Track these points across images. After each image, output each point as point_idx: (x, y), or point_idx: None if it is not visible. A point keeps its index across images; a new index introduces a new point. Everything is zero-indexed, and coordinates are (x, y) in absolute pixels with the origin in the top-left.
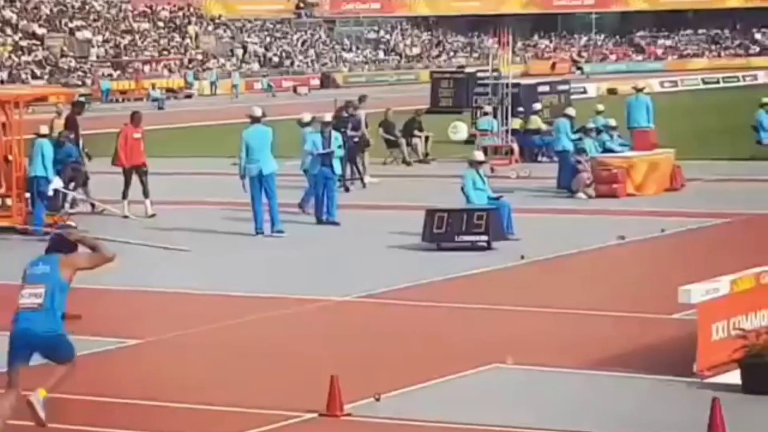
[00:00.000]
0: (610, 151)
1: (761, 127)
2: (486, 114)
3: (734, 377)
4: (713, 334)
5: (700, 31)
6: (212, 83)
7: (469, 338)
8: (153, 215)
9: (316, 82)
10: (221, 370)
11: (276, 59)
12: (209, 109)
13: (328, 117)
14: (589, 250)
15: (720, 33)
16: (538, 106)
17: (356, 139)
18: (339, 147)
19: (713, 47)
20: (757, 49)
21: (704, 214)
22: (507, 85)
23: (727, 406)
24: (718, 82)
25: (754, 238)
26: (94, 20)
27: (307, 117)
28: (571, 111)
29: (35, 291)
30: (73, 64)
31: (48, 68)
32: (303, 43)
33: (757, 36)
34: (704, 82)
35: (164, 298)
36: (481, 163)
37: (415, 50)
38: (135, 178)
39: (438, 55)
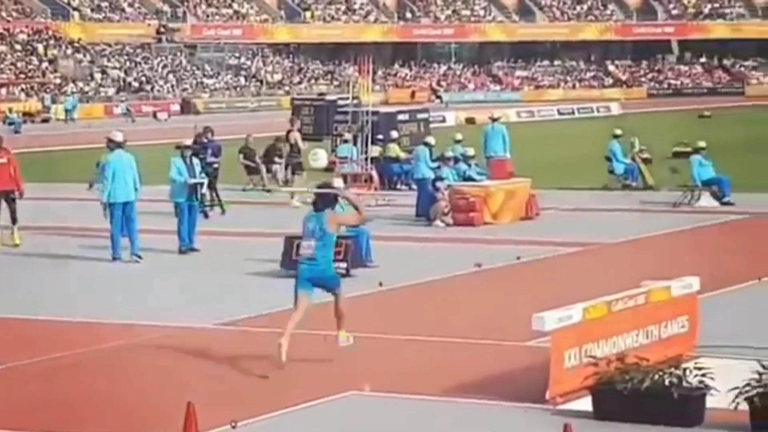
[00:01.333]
0: (468, 179)
1: (614, 157)
2: (346, 141)
3: (586, 404)
4: (566, 361)
5: (556, 62)
6: (67, 110)
7: (326, 365)
8: (17, 245)
9: (177, 107)
10: (74, 397)
11: (136, 84)
12: (66, 133)
13: (188, 142)
14: (446, 278)
15: (575, 65)
16: (396, 134)
17: (216, 165)
18: (200, 173)
19: (568, 78)
20: (611, 80)
21: (558, 242)
22: (367, 112)
23: None
24: (573, 113)
25: (606, 266)
26: None
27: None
28: (430, 139)
29: (309, 243)
30: None
31: None
32: (163, 68)
33: (611, 68)
34: (559, 113)
35: (15, 324)
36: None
37: (277, 77)
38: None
39: (299, 82)
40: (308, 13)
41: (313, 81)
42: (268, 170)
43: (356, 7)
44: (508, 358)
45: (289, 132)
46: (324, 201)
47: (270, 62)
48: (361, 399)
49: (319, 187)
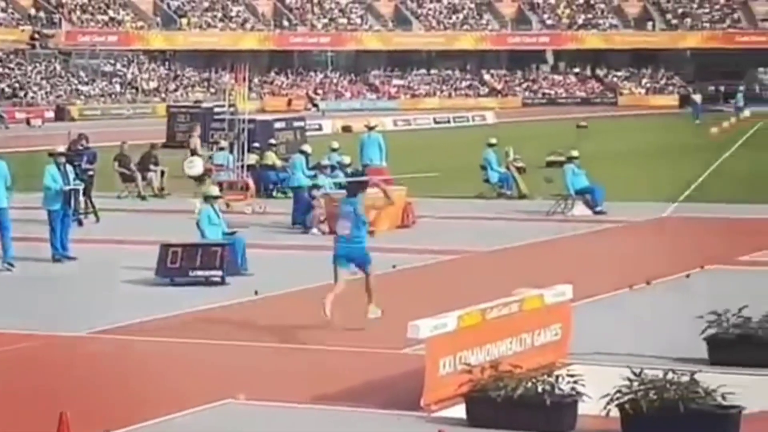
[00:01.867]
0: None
1: (489, 166)
2: (222, 149)
3: (460, 411)
4: (440, 368)
5: (432, 71)
6: None
7: (202, 374)
8: None
9: (51, 114)
10: None
11: (9, 90)
12: None
13: (61, 149)
14: (322, 286)
15: (451, 74)
16: (272, 141)
17: (91, 173)
18: (74, 180)
19: (444, 87)
20: (486, 90)
21: (434, 250)
22: (243, 120)
23: None
24: (449, 122)
25: (480, 274)
26: None
27: None
28: (306, 147)
29: (345, 224)
30: None
31: None
32: (37, 75)
33: (486, 77)
34: (435, 122)
35: None
36: (216, 198)
37: (152, 84)
38: None
39: (175, 90)
40: (184, 20)
41: (189, 88)
42: (144, 178)
43: (233, 14)
44: (383, 365)
45: (189, 137)
46: (357, 188)
47: (145, 69)
48: (237, 407)
49: (352, 175)
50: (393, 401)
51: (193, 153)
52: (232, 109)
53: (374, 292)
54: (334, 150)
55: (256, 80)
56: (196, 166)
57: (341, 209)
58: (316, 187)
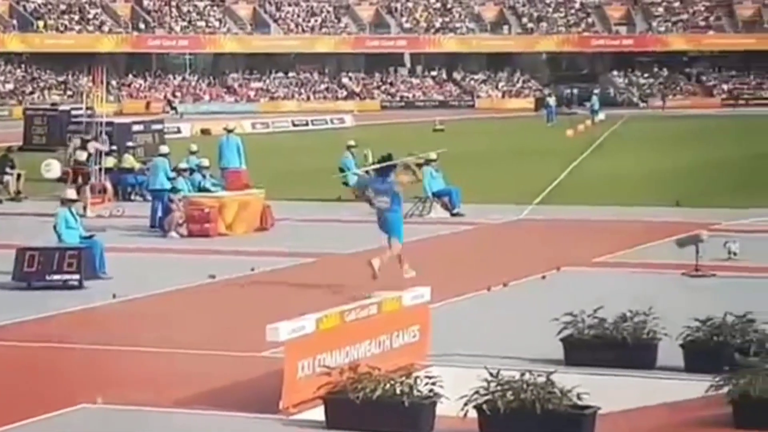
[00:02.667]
0: (203, 190)
1: (347, 168)
2: (84, 149)
3: (319, 414)
4: (299, 371)
5: (291, 74)
6: None
7: (58, 378)
8: None
9: None
10: None
11: None
12: None
13: None
14: (180, 289)
15: (309, 77)
16: (130, 144)
17: None
18: None
19: (303, 90)
20: (345, 93)
21: (293, 253)
22: (101, 123)
23: None
24: (307, 125)
25: (339, 277)
26: None
27: None
28: (164, 149)
29: (384, 199)
30: None
31: None
32: None
33: (345, 80)
34: (294, 124)
35: None
36: (73, 201)
37: (8, 86)
38: None
39: (32, 92)
40: (41, 23)
41: (46, 91)
42: (0, 181)
43: (90, 17)
44: (242, 368)
45: (87, 142)
46: (388, 169)
47: (1, 72)
48: (93, 411)
49: (383, 158)
50: (252, 404)
51: (89, 158)
52: (89, 111)
53: (402, 255)
54: (192, 153)
55: (114, 83)
56: (53, 169)
57: (377, 187)
58: (174, 190)
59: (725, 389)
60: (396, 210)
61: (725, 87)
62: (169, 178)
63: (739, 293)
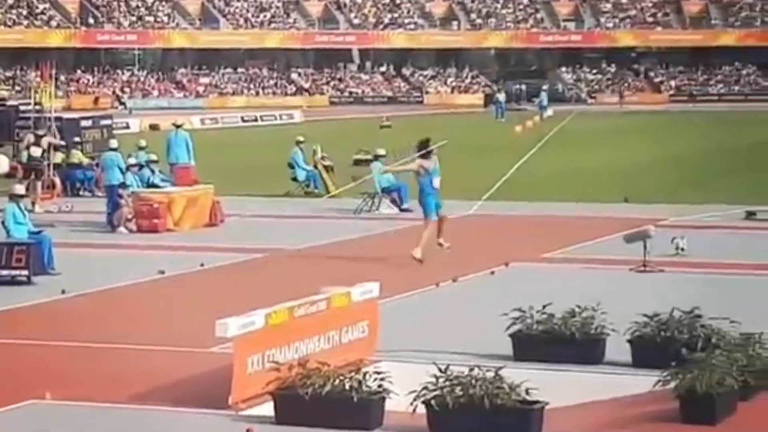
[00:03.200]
0: (152, 186)
1: (296, 164)
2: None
3: (268, 409)
4: (249, 366)
5: (240, 70)
6: None
7: (6, 374)
8: None
9: None
10: None
11: None
12: None
13: None
14: (130, 285)
15: (259, 72)
16: (77, 139)
17: None
18: None
19: (252, 86)
20: (294, 88)
21: (242, 249)
22: (49, 118)
23: None
24: (256, 120)
25: (288, 272)
26: None
27: None
28: (113, 143)
29: (438, 180)
30: None
31: None
32: None
33: (294, 76)
34: (243, 120)
35: None
36: (22, 196)
37: None
38: None
39: None
40: None
41: None
42: None
43: (38, 11)
44: (191, 364)
45: (41, 137)
46: (429, 153)
47: None
48: (42, 408)
49: (422, 143)
50: (201, 400)
51: (44, 153)
52: (38, 107)
53: (444, 230)
54: (141, 148)
55: (62, 78)
56: (1, 164)
57: (430, 169)
58: (123, 185)
59: (672, 384)
60: (421, 192)
61: (673, 83)
62: (122, 173)
63: (687, 289)
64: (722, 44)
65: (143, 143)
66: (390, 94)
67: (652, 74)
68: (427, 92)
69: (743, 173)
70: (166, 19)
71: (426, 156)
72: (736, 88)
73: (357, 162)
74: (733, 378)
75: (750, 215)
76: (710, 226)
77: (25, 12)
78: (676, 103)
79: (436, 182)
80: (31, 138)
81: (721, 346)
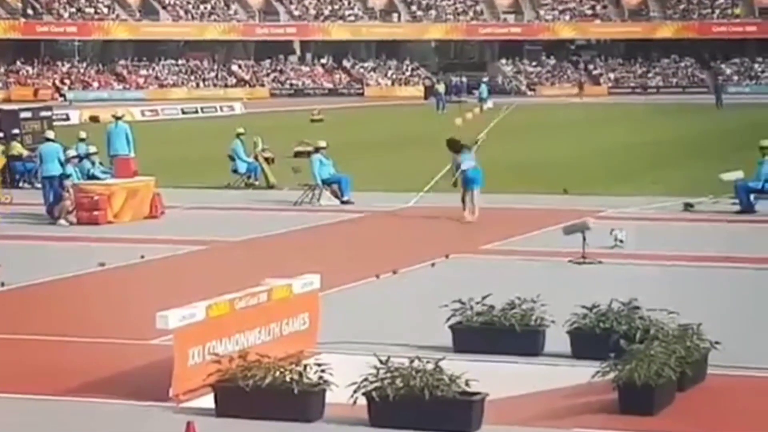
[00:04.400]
0: (92, 178)
1: (237, 156)
2: None
3: (209, 401)
4: (189, 359)
5: (180, 61)
6: None
7: None
8: None
9: None
10: None
11: None
12: None
13: None
14: (69, 277)
15: (199, 64)
16: (16, 131)
17: None
18: None
19: (192, 78)
20: (234, 80)
21: (182, 241)
22: None
23: (202, 430)
24: (197, 112)
25: (229, 264)
26: None
27: None
28: (50, 134)
29: (471, 162)
30: None
31: None
32: None
33: (234, 68)
34: (183, 112)
35: None
36: None
37: None
38: None
39: None
40: None
41: None
42: None
43: None
44: (131, 356)
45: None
46: (460, 146)
47: None
48: None
49: (452, 141)
50: (141, 392)
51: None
52: None
53: (477, 205)
54: (81, 140)
55: (2, 69)
56: None
57: (463, 158)
58: (65, 176)
59: (611, 375)
60: (477, 169)
61: (611, 75)
62: (62, 164)
63: (625, 280)
64: (661, 37)
65: (83, 135)
66: (331, 86)
67: (591, 66)
68: (367, 84)
69: (681, 165)
70: (106, 10)
71: (458, 151)
72: (674, 80)
73: (298, 154)
74: (671, 369)
75: (688, 207)
76: (648, 217)
77: None
78: (616, 95)
79: (464, 165)
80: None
81: (660, 337)
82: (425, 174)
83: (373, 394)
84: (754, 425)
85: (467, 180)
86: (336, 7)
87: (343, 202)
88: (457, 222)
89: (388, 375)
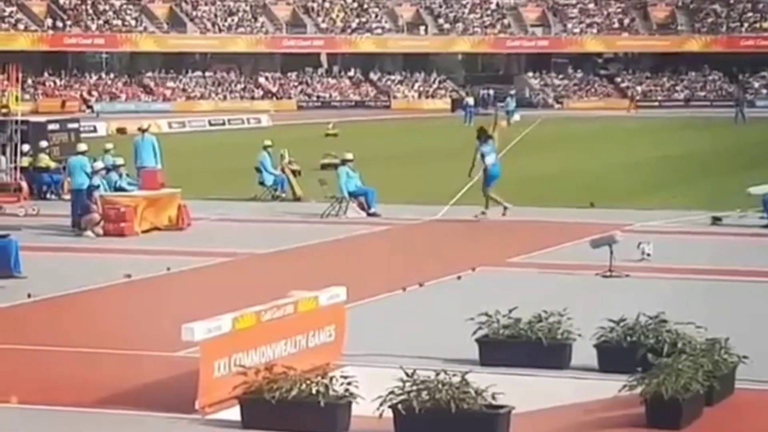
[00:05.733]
0: (119, 189)
1: (264, 168)
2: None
3: (235, 414)
4: (215, 371)
5: (207, 73)
6: None
7: None
8: None
9: None
10: None
11: None
12: None
13: None
14: (96, 289)
15: (226, 76)
16: (44, 143)
17: None
18: None
19: (219, 90)
20: (261, 92)
21: (209, 253)
22: (16, 122)
23: None
24: (224, 124)
25: (256, 277)
26: None
27: None
28: (82, 147)
29: (494, 156)
30: None
31: None
32: None
33: (261, 80)
34: (211, 124)
35: None
36: None
37: None
38: None
39: None
40: None
41: None
42: None
43: (5, 14)
44: (157, 368)
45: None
46: (486, 134)
47: None
48: (7, 411)
49: (481, 129)
50: (168, 404)
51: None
52: (4, 110)
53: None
54: (107, 151)
55: (29, 81)
56: None
57: (483, 150)
58: (93, 188)
59: (638, 389)
60: (498, 165)
61: (639, 88)
62: (89, 177)
63: (652, 294)
64: (688, 50)
65: (109, 146)
66: (357, 98)
67: (618, 79)
68: (394, 97)
69: (709, 178)
70: (133, 22)
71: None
72: (702, 93)
73: (324, 166)
74: (698, 383)
75: (716, 220)
76: (676, 231)
77: None
78: (643, 108)
79: (488, 158)
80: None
81: (687, 351)
82: (452, 186)
83: (399, 406)
84: None
85: (491, 177)
86: (363, 20)
87: (369, 215)
88: (485, 232)
89: (414, 388)
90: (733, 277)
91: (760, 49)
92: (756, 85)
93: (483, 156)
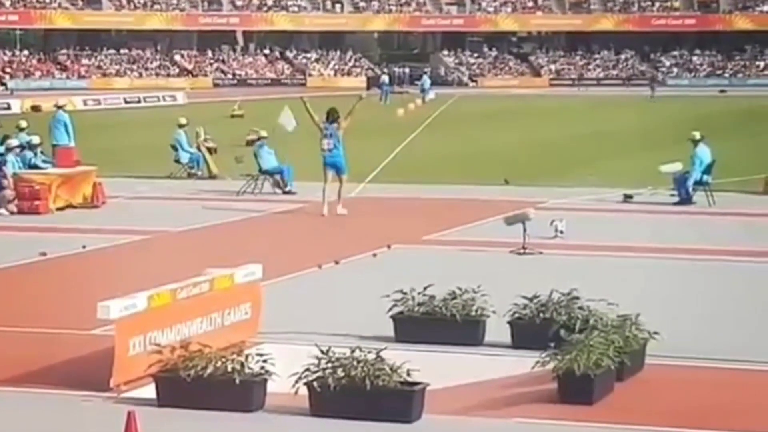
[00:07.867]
0: (33, 167)
1: (179, 146)
2: None
3: (150, 392)
4: (130, 349)
5: (123, 51)
6: None
7: None
8: None
9: None
10: None
11: None
12: None
13: None
14: (10, 267)
15: (141, 53)
16: None
17: None
18: None
19: (135, 67)
20: (177, 70)
21: (124, 231)
22: None
23: (143, 420)
24: (139, 102)
25: (171, 254)
26: None
27: None
28: None
29: (329, 142)
30: None
31: None
32: None
33: (177, 57)
34: (126, 102)
35: None
36: None
37: None
38: None
39: None
40: None
41: None
42: None
43: None
44: (72, 346)
45: None
46: (335, 115)
47: None
48: None
49: (330, 110)
50: (82, 382)
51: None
52: None
53: (342, 195)
54: (22, 129)
55: None
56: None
57: (325, 132)
58: (4, 163)
59: (551, 365)
60: (338, 152)
61: (552, 67)
62: (1, 154)
63: (565, 271)
64: (601, 29)
65: (24, 124)
66: (273, 76)
67: (532, 58)
68: (310, 75)
69: (621, 156)
70: None
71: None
72: (615, 72)
73: (249, 142)
74: (610, 359)
75: (627, 198)
76: (588, 208)
77: None
78: (557, 87)
79: (324, 143)
80: None
81: (599, 327)
82: (368, 164)
83: (315, 383)
84: (690, 414)
85: (324, 163)
86: None
87: (285, 192)
88: (400, 210)
89: (330, 365)
90: (644, 254)
91: (672, 28)
92: (667, 63)
93: (322, 137)
